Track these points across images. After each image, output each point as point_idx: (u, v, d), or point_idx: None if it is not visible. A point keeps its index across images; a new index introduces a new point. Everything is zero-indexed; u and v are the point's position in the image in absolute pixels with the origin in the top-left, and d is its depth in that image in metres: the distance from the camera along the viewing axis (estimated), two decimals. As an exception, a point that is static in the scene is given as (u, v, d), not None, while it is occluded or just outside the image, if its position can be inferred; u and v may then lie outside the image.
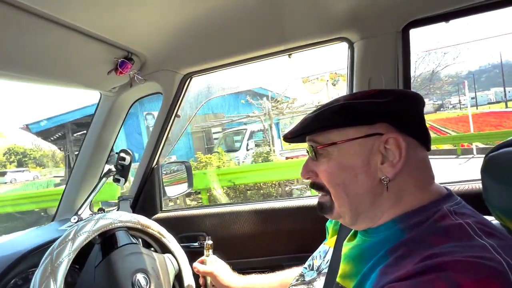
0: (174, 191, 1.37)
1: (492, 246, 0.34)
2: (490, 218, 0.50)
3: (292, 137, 0.53)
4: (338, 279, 0.49)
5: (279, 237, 1.12)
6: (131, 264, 0.77)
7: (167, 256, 0.88)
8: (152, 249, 0.92)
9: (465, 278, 0.30)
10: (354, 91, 0.91)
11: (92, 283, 0.70)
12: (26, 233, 1.02)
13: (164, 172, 1.33)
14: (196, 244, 1.17)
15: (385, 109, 0.45)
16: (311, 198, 1.11)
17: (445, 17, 0.84)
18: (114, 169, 1.13)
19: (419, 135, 0.47)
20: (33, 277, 0.60)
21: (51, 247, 0.65)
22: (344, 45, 0.95)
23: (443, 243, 0.36)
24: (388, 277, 0.37)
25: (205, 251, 0.84)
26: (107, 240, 0.77)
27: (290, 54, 1.02)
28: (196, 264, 0.81)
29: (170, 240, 0.91)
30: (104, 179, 1.13)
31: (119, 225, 0.78)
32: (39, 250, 0.79)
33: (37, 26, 0.66)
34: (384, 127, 0.45)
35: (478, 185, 0.89)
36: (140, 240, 0.91)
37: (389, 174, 0.44)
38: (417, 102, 0.48)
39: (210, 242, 0.83)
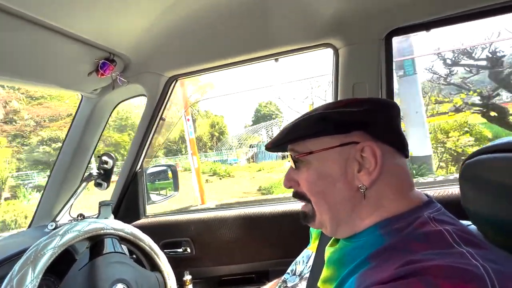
0: (159, 195, 1.35)
1: (470, 253, 0.34)
2: (468, 223, 0.51)
3: (273, 146, 0.54)
4: (319, 284, 0.49)
5: (265, 242, 1.11)
6: (113, 272, 0.75)
7: (156, 274, 0.86)
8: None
9: (444, 281, 0.30)
10: (339, 96, 0.92)
11: (73, 286, 0.70)
12: None
13: (149, 176, 1.30)
14: (180, 250, 1.15)
15: (360, 118, 0.46)
16: (297, 203, 1.11)
17: (426, 26, 0.88)
18: (95, 174, 1.09)
19: (395, 142, 0.48)
20: (15, 265, 0.60)
21: (40, 240, 0.65)
22: (330, 51, 0.96)
23: (424, 250, 0.36)
24: (368, 281, 0.37)
25: (184, 286, 0.83)
26: (96, 245, 0.78)
27: (277, 58, 1.03)
28: None
29: (161, 258, 0.89)
30: (84, 183, 1.09)
31: (111, 231, 0.79)
32: (11, 261, 0.75)
33: (16, 27, 0.65)
34: (359, 135, 0.46)
35: (457, 190, 0.92)
36: (126, 249, 0.89)
37: (366, 182, 0.45)
38: (392, 110, 0.49)
39: (189, 277, 0.82)
